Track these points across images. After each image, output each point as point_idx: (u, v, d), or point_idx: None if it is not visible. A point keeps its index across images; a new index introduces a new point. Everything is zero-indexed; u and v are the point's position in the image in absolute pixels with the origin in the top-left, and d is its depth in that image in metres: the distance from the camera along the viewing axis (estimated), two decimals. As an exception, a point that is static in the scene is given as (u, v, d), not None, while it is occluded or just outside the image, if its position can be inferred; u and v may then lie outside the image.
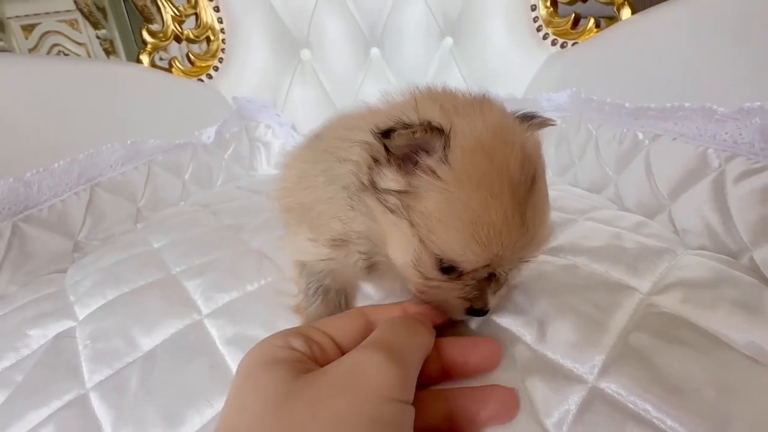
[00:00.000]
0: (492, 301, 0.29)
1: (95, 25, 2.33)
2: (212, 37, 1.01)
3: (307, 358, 0.22)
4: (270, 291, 0.39)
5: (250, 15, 1.01)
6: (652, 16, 0.66)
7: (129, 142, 0.65)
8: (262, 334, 0.34)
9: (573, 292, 0.32)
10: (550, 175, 0.76)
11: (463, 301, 0.28)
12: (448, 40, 1.03)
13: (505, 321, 0.31)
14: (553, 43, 0.94)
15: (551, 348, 0.29)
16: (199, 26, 1.00)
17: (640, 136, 0.52)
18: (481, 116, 0.27)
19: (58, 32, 2.37)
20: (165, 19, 0.96)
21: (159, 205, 0.70)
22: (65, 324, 0.37)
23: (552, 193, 0.62)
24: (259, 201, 0.68)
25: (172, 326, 0.35)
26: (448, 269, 0.27)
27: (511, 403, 0.26)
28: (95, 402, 0.30)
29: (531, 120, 0.31)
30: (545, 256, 0.37)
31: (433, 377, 0.26)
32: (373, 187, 0.28)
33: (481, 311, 0.29)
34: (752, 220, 0.34)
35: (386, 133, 0.26)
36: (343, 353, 0.24)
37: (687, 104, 0.42)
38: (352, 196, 0.30)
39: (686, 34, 0.54)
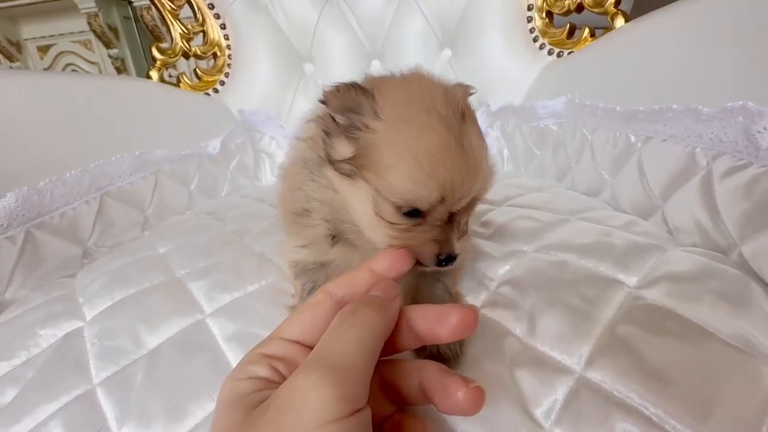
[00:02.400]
0: (458, 246, 0.30)
1: (107, 45, 2.42)
2: (219, 53, 1.05)
3: (268, 383, 0.22)
4: (270, 291, 0.40)
5: (255, 31, 1.05)
6: (644, 24, 0.68)
7: (137, 152, 0.68)
8: (261, 330, 0.35)
9: (562, 287, 0.33)
10: (548, 179, 0.77)
11: (433, 244, 0.29)
12: (447, 52, 1.06)
13: (497, 315, 0.32)
14: (550, 52, 0.96)
15: (540, 340, 0.30)
16: (206, 43, 1.04)
17: (633, 138, 0.53)
18: (405, 79, 0.32)
19: (72, 52, 2.46)
20: (174, 37, 1.00)
21: (166, 213, 0.72)
22: (74, 324, 0.39)
23: (545, 195, 0.62)
24: (263, 208, 0.70)
25: (177, 325, 0.37)
26: (409, 213, 0.28)
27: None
28: (101, 397, 0.32)
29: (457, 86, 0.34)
30: (536, 254, 0.38)
31: (406, 346, 0.25)
32: (329, 160, 0.31)
33: (450, 256, 0.29)
34: (738, 214, 0.34)
35: (323, 102, 0.29)
36: None
37: (675, 106, 0.44)
38: (313, 170, 0.33)
39: (676, 40, 0.55)
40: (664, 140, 0.46)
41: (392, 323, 0.24)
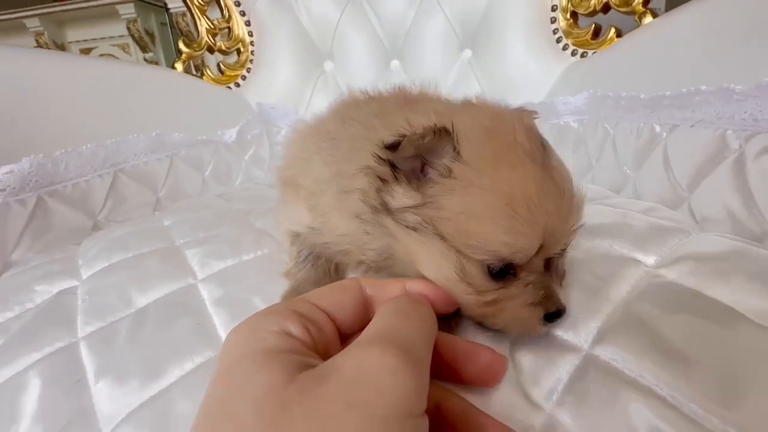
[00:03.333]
0: (563, 296, 0.25)
1: (143, 49, 2.54)
2: (242, 49, 1.08)
3: (304, 346, 0.19)
4: (265, 261, 0.39)
5: (278, 29, 1.07)
6: (672, 19, 0.65)
7: (154, 133, 0.69)
8: (251, 297, 0.34)
9: (572, 265, 0.30)
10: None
11: (533, 308, 0.24)
12: (467, 52, 1.05)
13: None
14: (573, 53, 0.94)
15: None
16: (230, 39, 1.07)
17: (657, 128, 0.50)
18: (473, 110, 0.28)
19: (111, 55, 2.59)
20: (200, 31, 1.03)
21: (178, 196, 0.73)
22: (70, 282, 0.39)
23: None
24: (273, 192, 0.70)
25: (167, 287, 0.36)
26: (500, 272, 0.24)
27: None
28: (83, 350, 0.31)
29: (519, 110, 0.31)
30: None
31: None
32: (386, 209, 0.26)
33: (559, 312, 0.25)
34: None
35: (392, 147, 0.24)
36: (340, 332, 0.22)
37: (704, 87, 0.41)
38: (366, 223, 0.28)
39: (706, 35, 0.53)
40: (692, 126, 0.43)
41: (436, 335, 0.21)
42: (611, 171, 0.61)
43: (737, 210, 0.35)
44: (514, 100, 0.98)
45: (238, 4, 1.05)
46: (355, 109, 0.37)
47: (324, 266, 0.34)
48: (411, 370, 0.16)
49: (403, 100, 0.36)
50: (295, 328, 0.19)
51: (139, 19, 2.40)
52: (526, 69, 0.98)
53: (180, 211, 0.57)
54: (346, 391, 0.15)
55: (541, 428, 0.22)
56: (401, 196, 0.26)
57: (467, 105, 0.29)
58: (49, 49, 2.47)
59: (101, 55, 2.57)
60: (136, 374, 0.28)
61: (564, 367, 0.24)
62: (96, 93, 0.72)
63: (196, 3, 1.02)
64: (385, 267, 0.30)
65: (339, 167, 0.30)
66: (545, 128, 0.83)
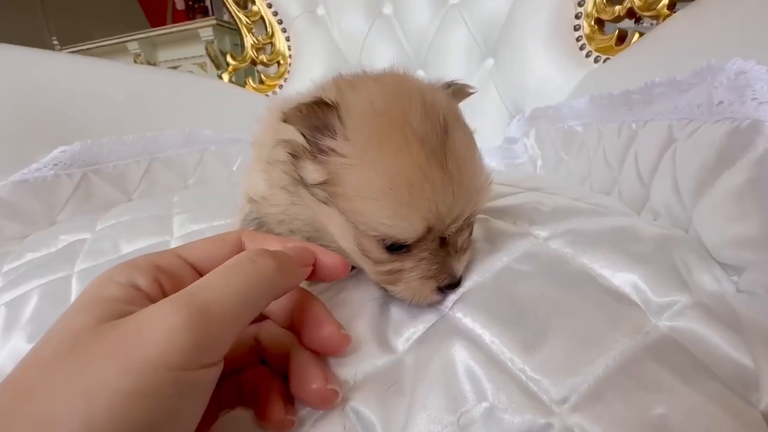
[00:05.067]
0: (458, 267, 0.26)
1: (218, 67, 2.86)
2: (282, 62, 1.20)
3: (143, 298, 0.19)
4: (231, 227, 0.45)
5: (313, 42, 1.18)
6: (692, 13, 0.62)
7: (187, 130, 0.81)
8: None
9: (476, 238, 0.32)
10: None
11: (426, 280, 0.26)
12: (489, 62, 1.07)
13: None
14: (596, 60, 0.92)
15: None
16: (272, 53, 1.20)
17: (633, 125, 0.49)
18: (377, 85, 0.27)
19: (191, 72, 2.96)
20: (246, 46, 1.17)
21: (206, 186, 0.84)
22: (84, 235, 0.48)
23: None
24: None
25: (148, 241, 0.44)
26: (393, 247, 0.25)
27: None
28: (74, 281, 0.39)
29: (449, 87, 0.31)
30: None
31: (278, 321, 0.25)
32: (303, 182, 0.27)
33: (451, 285, 0.26)
34: (689, 177, 0.30)
35: (285, 122, 0.25)
36: None
37: (657, 79, 0.40)
38: (292, 194, 0.29)
39: (735, 27, 0.50)
40: (651, 120, 0.42)
41: (288, 287, 0.22)
42: (602, 174, 0.59)
43: (669, 200, 0.34)
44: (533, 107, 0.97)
45: (280, 22, 1.18)
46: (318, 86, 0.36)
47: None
48: (191, 328, 0.17)
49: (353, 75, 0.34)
50: (143, 281, 0.20)
51: (215, 41, 2.73)
52: (547, 77, 0.97)
53: (192, 192, 0.67)
54: (119, 342, 0.16)
55: (385, 366, 0.25)
56: (311, 171, 0.26)
57: (380, 75, 0.29)
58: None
59: (184, 72, 2.94)
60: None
61: (422, 324, 0.26)
62: (155, 97, 0.86)
63: (245, 22, 1.16)
64: (317, 238, 0.31)
65: (269, 139, 0.33)
66: (553, 134, 0.82)
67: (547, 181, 0.57)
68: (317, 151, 0.26)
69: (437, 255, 0.26)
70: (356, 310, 0.27)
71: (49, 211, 0.57)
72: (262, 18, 1.17)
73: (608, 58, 0.89)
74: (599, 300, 0.23)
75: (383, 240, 0.25)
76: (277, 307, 0.25)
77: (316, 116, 0.25)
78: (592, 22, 0.93)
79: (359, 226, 0.25)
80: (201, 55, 2.87)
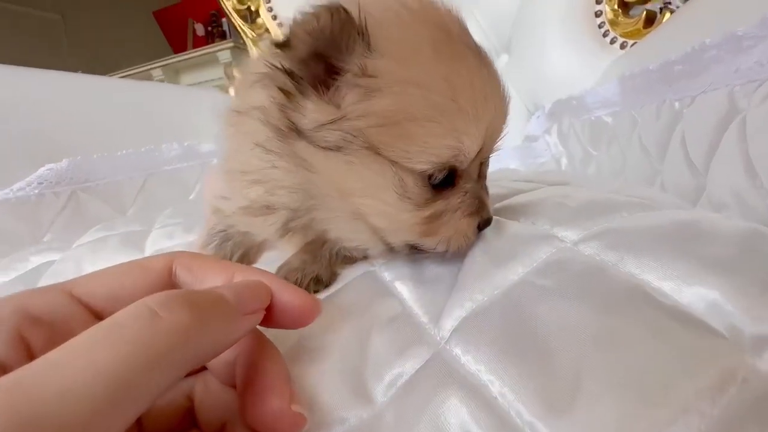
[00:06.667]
0: (490, 205, 0.24)
1: (236, 87, 2.93)
2: (288, 73, 1.17)
3: None
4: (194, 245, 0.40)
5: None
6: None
7: (186, 143, 0.78)
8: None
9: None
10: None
11: (470, 218, 0.23)
12: (504, 57, 1.00)
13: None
14: (622, 46, 0.83)
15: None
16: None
17: (677, 105, 0.41)
18: None
19: (211, 94, 3.03)
20: (252, 60, 1.16)
21: (207, 200, 0.80)
22: (55, 256, 0.44)
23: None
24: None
25: (114, 261, 0.38)
26: (441, 182, 0.22)
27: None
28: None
29: None
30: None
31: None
32: (296, 130, 0.21)
33: (488, 221, 0.24)
34: None
35: (284, 44, 0.20)
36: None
37: (708, 40, 0.32)
38: (271, 152, 0.23)
39: None
40: (699, 94, 0.34)
41: (221, 345, 0.15)
42: (639, 167, 0.51)
43: (740, 186, 0.26)
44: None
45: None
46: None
47: (229, 249, 0.32)
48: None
49: None
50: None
51: (233, 63, 2.80)
52: (567, 69, 0.89)
53: (184, 207, 0.63)
54: None
55: (358, 422, 0.18)
56: (313, 111, 0.21)
57: None
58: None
59: (204, 95, 3.02)
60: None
61: (410, 362, 0.19)
62: (153, 112, 0.84)
63: (250, 36, 1.15)
64: (310, 224, 0.25)
65: (237, 87, 0.27)
66: (579, 128, 0.74)
67: (575, 177, 0.49)
68: (323, 83, 0.21)
69: (475, 188, 0.23)
70: (326, 333, 0.20)
71: (34, 230, 0.54)
72: (267, 30, 1.15)
73: (635, 43, 0.81)
74: (661, 329, 0.15)
75: (433, 174, 0.21)
76: (216, 360, 0.18)
77: (332, 31, 0.19)
78: (615, 6, 0.84)
79: (404, 160, 0.20)
80: (221, 78, 2.94)
